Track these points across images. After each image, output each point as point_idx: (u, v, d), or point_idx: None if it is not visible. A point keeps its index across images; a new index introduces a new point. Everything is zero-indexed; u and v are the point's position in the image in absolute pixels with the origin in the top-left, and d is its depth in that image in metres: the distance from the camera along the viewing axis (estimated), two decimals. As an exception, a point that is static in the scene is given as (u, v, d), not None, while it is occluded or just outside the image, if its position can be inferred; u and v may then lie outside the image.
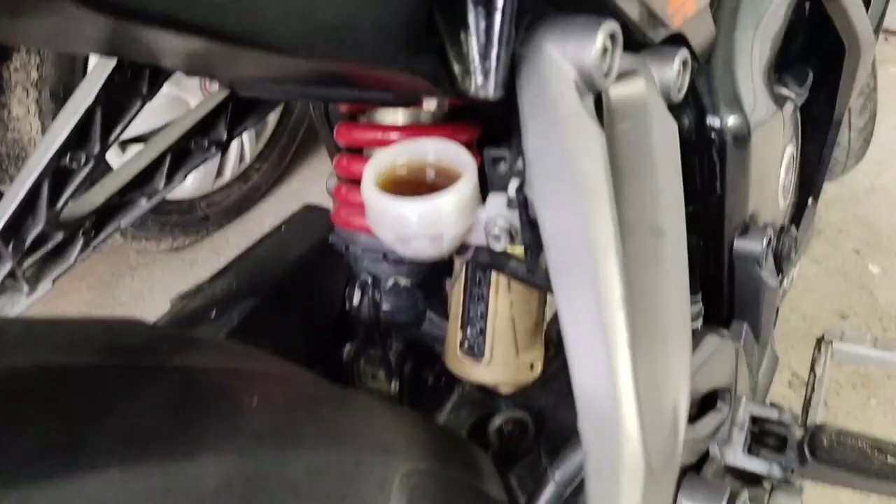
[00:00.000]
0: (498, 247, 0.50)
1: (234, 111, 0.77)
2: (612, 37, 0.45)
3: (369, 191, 0.49)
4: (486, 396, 0.75)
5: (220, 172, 2.01)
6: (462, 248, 0.53)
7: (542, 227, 0.43)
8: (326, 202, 0.87)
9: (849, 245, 1.99)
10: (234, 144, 2.02)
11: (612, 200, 0.44)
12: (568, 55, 0.45)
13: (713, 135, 0.68)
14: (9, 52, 1.44)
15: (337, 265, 0.81)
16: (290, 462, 0.42)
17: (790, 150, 0.97)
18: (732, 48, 0.69)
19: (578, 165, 0.43)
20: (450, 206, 0.49)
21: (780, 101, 0.89)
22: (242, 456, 0.40)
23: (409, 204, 0.48)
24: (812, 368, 0.88)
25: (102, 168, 0.76)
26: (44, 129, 1.50)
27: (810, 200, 1.14)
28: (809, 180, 1.13)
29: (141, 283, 1.92)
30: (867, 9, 1.11)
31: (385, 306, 0.68)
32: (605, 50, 0.45)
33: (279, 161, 2.19)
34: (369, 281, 0.67)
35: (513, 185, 0.47)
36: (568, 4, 0.49)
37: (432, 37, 0.45)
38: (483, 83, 0.46)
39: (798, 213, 1.12)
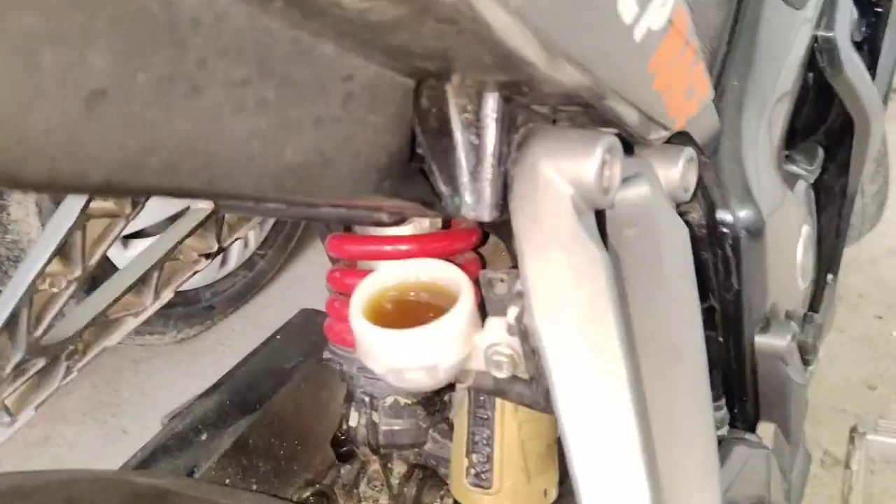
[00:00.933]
0: (500, 375, 0.46)
1: (224, 221, 0.75)
2: (611, 150, 0.42)
3: (357, 321, 0.46)
4: (498, 516, 0.69)
5: (224, 261, 1.99)
6: (462, 375, 0.49)
7: (545, 363, 0.39)
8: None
9: (871, 311, 1.93)
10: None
11: (620, 329, 0.40)
12: (564, 173, 0.41)
13: (725, 229, 0.64)
14: (10, 154, 1.44)
15: (335, 374, 0.77)
16: None
17: (806, 230, 0.93)
18: (739, 139, 0.66)
19: (581, 294, 0.40)
20: (446, 336, 0.45)
21: (791, 180, 0.86)
22: None
23: (400, 335, 0.44)
24: (847, 464, 0.82)
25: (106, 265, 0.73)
26: (44, 230, 1.49)
27: (830, 277, 1.09)
28: (828, 256, 1.08)
29: (145, 378, 1.88)
30: (873, 78, 1.08)
31: (384, 427, 0.63)
32: (603, 164, 0.41)
33: (284, 246, 2.17)
34: (366, 400, 0.63)
35: (512, 312, 0.43)
36: (562, 117, 0.46)
37: (418, 159, 0.42)
38: (475, 205, 0.43)
39: (818, 290, 1.07)
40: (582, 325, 0.39)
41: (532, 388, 0.48)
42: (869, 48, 1.11)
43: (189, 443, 0.69)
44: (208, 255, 0.75)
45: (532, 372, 0.45)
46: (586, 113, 0.44)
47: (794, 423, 0.74)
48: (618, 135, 0.44)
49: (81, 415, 1.77)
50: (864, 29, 1.12)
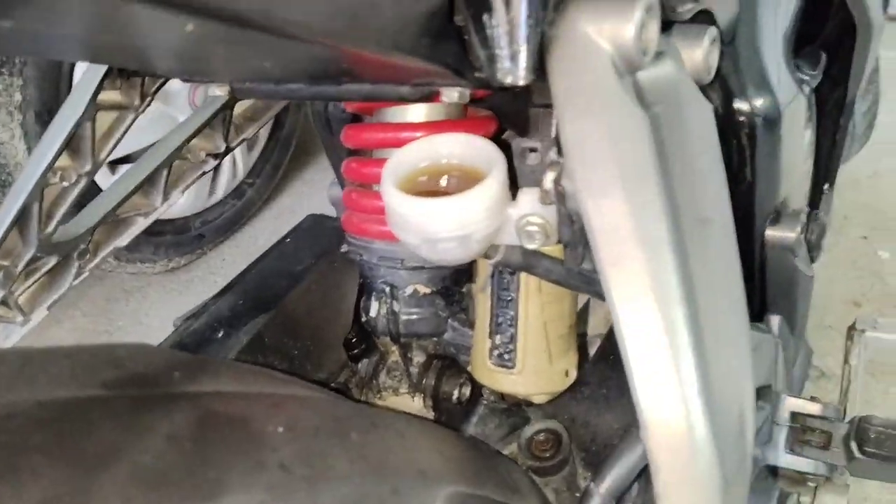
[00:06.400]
0: (532, 245, 0.46)
1: (230, 120, 0.73)
2: (650, 9, 0.41)
3: (391, 194, 0.45)
4: (512, 407, 0.71)
5: (212, 189, 1.97)
6: (491, 250, 0.49)
7: (587, 222, 0.39)
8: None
9: (855, 232, 1.96)
10: (227, 160, 1.97)
11: (661, 186, 0.40)
12: (604, 33, 0.41)
13: (742, 118, 0.64)
14: (-10, 75, 1.39)
15: (346, 276, 0.76)
16: (322, 496, 0.38)
17: (808, 135, 0.94)
18: (756, 26, 0.66)
19: (624, 151, 0.40)
20: (479, 205, 0.45)
21: (798, 83, 0.86)
22: (271, 492, 0.36)
23: (434, 204, 0.44)
24: (846, 359, 0.84)
25: (94, 189, 0.72)
26: (30, 153, 1.46)
27: (826, 186, 1.10)
28: (825, 166, 1.09)
29: (137, 307, 1.87)
30: (874, -13, 1.07)
31: (404, 316, 0.63)
32: (643, 23, 0.41)
33: (272, 175, 2.15)
34: (386, 290, 0.63)
35: (549, 177, 0.43)
36: (597, -21, 0.45)
37: (454, 21, 0.41)
38: (511, 68, 0.42)
39: (815, 200, 1.08)
40: (624, 183, 0.39)
41: (564, 261, 0.49)
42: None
43: (207, 340, 0.69)
44: (216, 156, 0.73)
45: (566, 237, 0.45)
46: (622, -25, 0.43)
47: (799, 316, 0.76)
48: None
49: (74, 342, 1.76)
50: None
